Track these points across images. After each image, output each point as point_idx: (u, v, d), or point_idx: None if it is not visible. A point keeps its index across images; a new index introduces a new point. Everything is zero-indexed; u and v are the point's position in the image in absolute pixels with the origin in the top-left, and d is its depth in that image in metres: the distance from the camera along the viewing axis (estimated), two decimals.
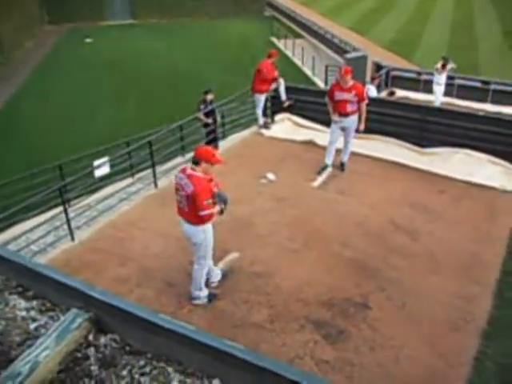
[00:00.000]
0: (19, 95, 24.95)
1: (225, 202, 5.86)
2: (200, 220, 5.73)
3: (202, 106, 11.81)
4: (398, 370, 5.34)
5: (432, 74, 15.98)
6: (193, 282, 6.22)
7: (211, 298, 6.31)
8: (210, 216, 5.75)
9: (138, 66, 28.87)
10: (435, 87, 15.39)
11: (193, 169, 5.67)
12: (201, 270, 6.14)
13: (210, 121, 11.79)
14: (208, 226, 5.88)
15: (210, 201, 5.64)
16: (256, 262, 7.08)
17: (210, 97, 11.96)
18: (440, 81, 15.26)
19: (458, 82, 16.48)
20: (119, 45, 34.46)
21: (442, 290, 6.64)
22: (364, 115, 9.42)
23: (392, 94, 16.73)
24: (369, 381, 5.19)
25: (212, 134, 11.77)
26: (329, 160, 9.84)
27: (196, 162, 5.66)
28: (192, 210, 5.67)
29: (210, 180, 5.73)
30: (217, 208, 5.77)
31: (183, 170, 5.77)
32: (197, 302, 6.26)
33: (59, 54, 32.33)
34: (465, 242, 7.73)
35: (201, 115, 11.73)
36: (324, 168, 9.84)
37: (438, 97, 15.31)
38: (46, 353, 2.32)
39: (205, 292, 6.27)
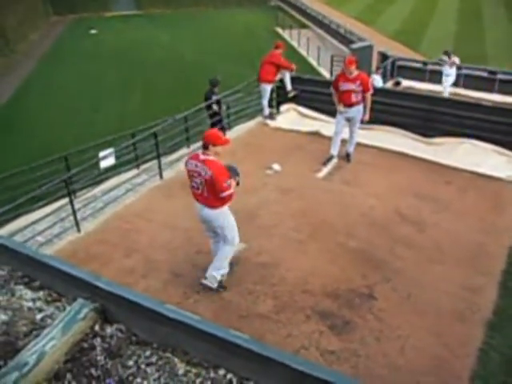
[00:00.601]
0: (25, 87, 24.98)
1: (237, 173, 5.99)
2: (220, 202, 5.83)
3: (214, 97, 11.76)
4: (404, 361, 5.35)
5: (437, 64, 15.93)
6: (215, 262, 6.19)
7: (221, 286, 6.29)
8: (231, 196, 5.85)
9: (143, 56, 28.84)
10: (444, 78, 15.34)
11: (205, 154, 5.75)
12: (231, 250, 6.17)
13: (217, 109, 11.77)
14: (226, 209, 5.96)
15: (229, 181, 5.74)
16: (262, 253, 7.09)
17: (216, 89, 11.94)
18: (448, 72, 15.21)
19: (464, 71, 16.38)
20: (124, 36, 34.44)
21: (447, 280, 6.63)
22: (369, 105, 9.39)
23: (398, 84, 16.66)
24: (374, 371, 5.20)
25: (217, 124, 11.75)
26: (334, 151, 9.82)
27: (206, 146, 5.75)
28: (211, 193, 5.76)
29: None
30: (233, 183, 5.87)
31: (195, 157, 5.83)
32: (206, 282, 6.20)
33: (64, 46, 32.34)
34: (471, 233, 7.71)
35: (215, 106, 11.72)
36: (330, 159, 9.82)
37: (446, 88, 15.24)
38: (53, 343, 2.32)
39: (219, 276, 6.23)
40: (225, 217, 5.98)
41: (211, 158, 5.72)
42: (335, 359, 5.34)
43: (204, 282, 6.22)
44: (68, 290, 2.65)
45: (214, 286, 6.23)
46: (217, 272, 6.18)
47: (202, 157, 5.75)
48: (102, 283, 2.43)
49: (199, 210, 5.98)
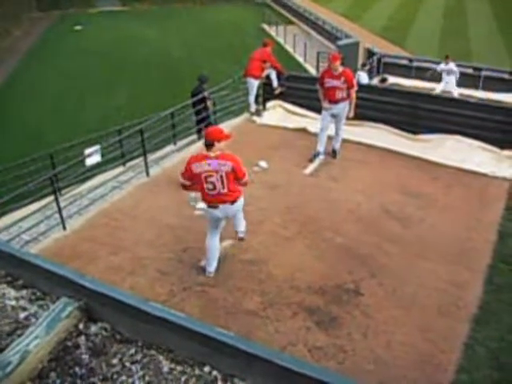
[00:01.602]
0: (8, 84, 24.71)
1: None
2: (239, 192, 6.04)
3: (205, 93, 11.73)
4: (390, 356, 5.38)
5: (424, 60, 16.01)
6: (241, 223, 6.72)
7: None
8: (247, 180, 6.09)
9: (128, 52, 28.67)
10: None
11: (212, 151, 5.80)
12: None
13: (209, 105, 11.75)
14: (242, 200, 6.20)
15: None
16: (249, 250, 7.09)
17: (206, 85, 11.91)
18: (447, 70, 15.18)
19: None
20: (110, 32, 34.17)
21: (433, 275, 6.67)
22: (354, 102, 9.43)
23: (384, 80, 16.72)
24: (361, 367, 5.22)
25: (203, 121, 11.73)
26: (321, 147, 9.83)
27: (211, 144, 5.78)
28: (231, 186, 5.87)
29: None
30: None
31: (204, 157, 5.83)
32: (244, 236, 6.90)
33: (48, 42, 32.00)
34: (456, 229, 7.76)
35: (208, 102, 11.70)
36: (316, 155, 9.84)
37: (440, 86, 15.21)
38: (36, 342, 2.30)
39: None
40: (241, 204, 6.23)
41: (220, 152, 5.80)
42: (322, 355, 5.36)
43: (242, 236, 6.91)
44: (52, 288, 2.63)
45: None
46: (244, 227, 6.80)
47: (212, 154, 5.78)
48: (86, 281, 2.41)
49: (221, 211, 6.05)
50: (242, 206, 6.27)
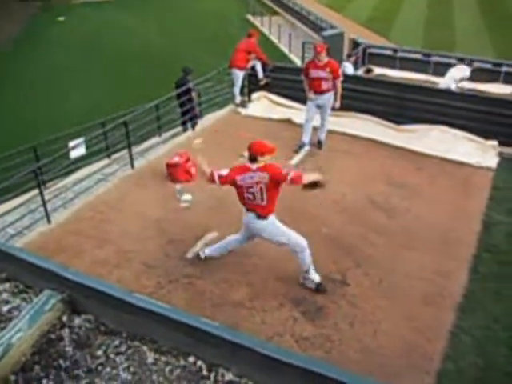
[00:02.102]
0: None
1: None
2: (270, 211, 5.88)
3: (191, 85, 11.64)
4: (377, 345, 5.42)
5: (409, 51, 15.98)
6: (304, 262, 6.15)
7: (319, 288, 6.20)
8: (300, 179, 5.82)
9: (112, 44, 28.38)
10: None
11: (255, 164, 5.78)
12: (304, 253, 6.05)
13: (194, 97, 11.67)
14: (273, 218, 5.97)
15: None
16: None
17: (190, 77, 11.84)
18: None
19: (434, 59, 16.53)
20: (93, 23, 33.75)
21: (418, 265, 6.72)
22: (340, 92, 9.44)
23: (369, 71, 16.71)
24: (348, 356, 5.25)
25: (189, 113, 11.66)
26: (306, 138, 9.83)
27: (254, 158, 5.77)
28: (269, 199, 5.79)
29: None
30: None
31: (246, 169, 5.81)
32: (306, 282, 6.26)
33: (31, 34, 31.51)
34: (441, 218, 7.82)
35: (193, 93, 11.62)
36: (301, 146, 9.83)
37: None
38: (19, 335, 2.29)
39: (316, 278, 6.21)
40: (274, 225, 5.99)
41: (263, 164, 5.75)
42: (309, 345, 5.39)
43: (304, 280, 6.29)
44: (35, 281, 2.61)
45: (312, 286, 6.21)
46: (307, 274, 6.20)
47: (254, 167, 5.75)
48: (69, 274, 2.39)
49: (248, 219, 6.02)
50: (285, 236, 6.00)
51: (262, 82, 12.06)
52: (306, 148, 9.88)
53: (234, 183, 5.86)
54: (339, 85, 9.38)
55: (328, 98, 9.44)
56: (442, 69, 15.61)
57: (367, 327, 5.66)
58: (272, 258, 6.69)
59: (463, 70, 13.30)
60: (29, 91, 21.80)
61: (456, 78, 13.18)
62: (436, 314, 5.88)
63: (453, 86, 13.30)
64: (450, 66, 14.45)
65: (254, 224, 5.96)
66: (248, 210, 5.95)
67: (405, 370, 5.10)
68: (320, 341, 5.45)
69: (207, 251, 6.56)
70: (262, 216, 5.87)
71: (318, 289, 6.14)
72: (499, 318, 5.87)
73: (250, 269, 6.51)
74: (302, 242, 5.97)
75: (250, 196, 5.81)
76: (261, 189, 5.72)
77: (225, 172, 5.94)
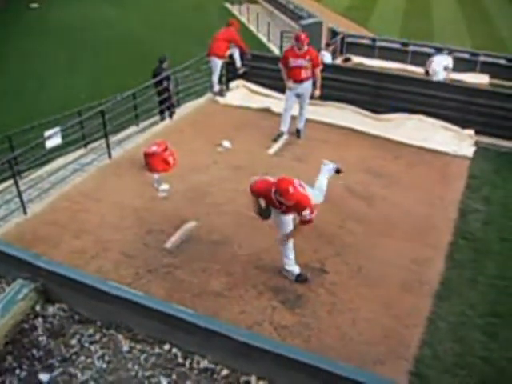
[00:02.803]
0: None
1: None
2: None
3: (164, 73, 11.51)
4: (355, 333, 5.46)
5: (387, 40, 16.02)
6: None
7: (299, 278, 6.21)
8: None
9: (88, 32, 27.93)
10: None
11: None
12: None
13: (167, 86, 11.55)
14: None
15: None
16: (214, 231, 7.06)
17: (165, 65, 11.72)
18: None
19: (412, 48, 16.64)
20: (68, 11, 33.09)
21: (396, 253, 6.78)
22: (319, 81, 9.42)
23: (347, 60, 16.76)
24: (327, 344, 5.28)
25: (166, 101, 11.56)
26: (284, 127, 9.82)
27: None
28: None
29: None
30: None
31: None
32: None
33: (2, 21, 30.83)
34: (419, 207, 7.88)
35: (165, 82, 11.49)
36: (280, 135, 9.82)
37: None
38: None
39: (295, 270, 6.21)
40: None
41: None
42: (288, 333, 5.41)
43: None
44: (7, 271, 2.55)
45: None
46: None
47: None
48: (42, 262, 2.35)
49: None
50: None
51: (241, 71, 12.00)
52: (285, 137, 9.86)
53: None
54: (319, 73, 9.37)
55: (307, 87, 9.42)
56: (419, 58, 15.74)
57: (346, 315, 5.70)
58: (251, 247, 6.70)
59: (447, 59, 13.40)
60: (3, 81, 21.37)
61: (444, 64, 13.31)
62: (414, 301, 5.94)
63: (442, 74, 13.41)
64: (428, 55, 14.55)
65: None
66: None
67: (383, 356, 5.15)
68: (299, 329, 5.48)
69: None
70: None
71: (298, 280, 6.15)
72: (475, 304, 5.96)
73: (228, 258, 6.50)
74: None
75: None
76: None
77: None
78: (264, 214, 5.96)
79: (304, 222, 5.66)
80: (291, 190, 5.36)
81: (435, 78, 12.67)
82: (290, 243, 6.05)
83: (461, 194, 8.28)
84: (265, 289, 6.02)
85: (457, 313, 5.81)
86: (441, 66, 13.12)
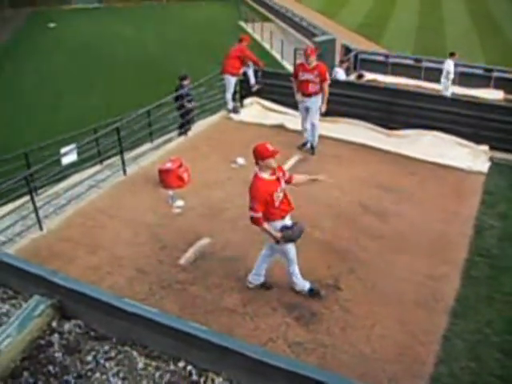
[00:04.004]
0: None
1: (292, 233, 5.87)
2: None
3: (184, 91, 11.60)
4: (370, 350, 5.41)
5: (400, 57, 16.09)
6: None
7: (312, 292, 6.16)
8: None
9: (104, 51, 28.35)
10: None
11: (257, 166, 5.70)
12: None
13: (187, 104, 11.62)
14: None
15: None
16: (227, 247, 7.07)
17: (186, 83, 11.79)
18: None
19: (425, 64, 16.64)
20: (85, 30, 33.71)
21: (411, 269, 6.72)
22: (326, 96, 9.51)
23: (361, 77, 16.78)
24: (341, 361, 5.24)
25: (184, 117, 11.62)
26: (306, 133, 10.03)
27: (256, 161, 5.68)
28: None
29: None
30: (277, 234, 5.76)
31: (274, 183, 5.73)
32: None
33: (21, 40, 31.40)
34: (433, 223, 7.83)
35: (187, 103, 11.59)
36: (305, 143, 10.05)
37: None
38: (8, 341, 2.27)
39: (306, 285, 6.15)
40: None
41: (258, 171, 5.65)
42: (302, 350, 5.37)
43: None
44: (24, 287, 2.59)
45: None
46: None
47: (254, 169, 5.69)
48: (58, 279, 2.38)
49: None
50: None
51: (254, 88, 12.08)
52: (299, 156, 9.88)
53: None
54: (326, 88, 9.46)
55: (315, 101, 9.54)
56: (433, 74, 15.74)
57: (360, 332, 5.65)
58: None
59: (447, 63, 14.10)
60: (21, 98, 21.71)
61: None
62: (429, 318, 5.88)
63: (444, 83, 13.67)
64: (441, 71, 14.56)
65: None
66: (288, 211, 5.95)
67: (398, 374, 5.10)
68: (313, 346, 5.44)
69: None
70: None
71: (311, 294, 6.12)
72: (491, 322, 5.88)
73: (242, 274, 6.48)
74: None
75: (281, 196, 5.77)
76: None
77: None
78: None
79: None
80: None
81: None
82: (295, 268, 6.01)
83: (476, 210, 8.21)
84: (279, 305, 6.00)
85: (473, 330, 5.74)
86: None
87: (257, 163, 5.62)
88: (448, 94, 13.89)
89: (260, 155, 5.57)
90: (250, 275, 6.25)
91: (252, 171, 5.88)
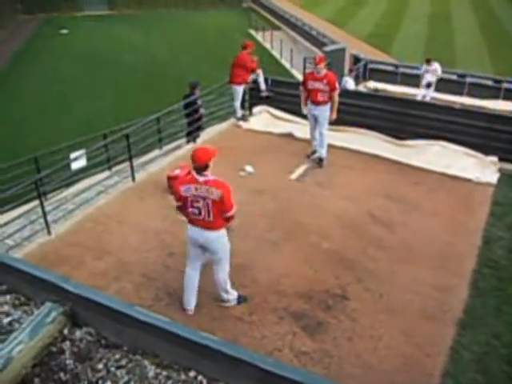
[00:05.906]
0: None
1: None
2: (224, 223, 5.56)
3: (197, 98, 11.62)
4: (376, 360, 5.39)
5: (410, 67, 16.12)
6: (219, 287, 5.99)
7: (241, 300, 6.14)
8: (234, 216, 5.58)
9: (114, 57, 28.52)
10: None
11: (202, 175, 5.34)
12: (225, 274, 5.92)
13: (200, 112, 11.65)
14: (225, 232, 5.68)
15: None
16: (235, 255, 7.00)
17: (197, 91, 11.76)
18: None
19: None
20: (96, 36, 33.97)
21: (418, 280, 6.70)
22: (336, 105, 9.51)
23: (376, 91, 16.78)
24: (347, 372, 5.23)
25: (192, 125, 11.64)
26: (314, 141, 10.07)
27: (203, 168, 5.33)
28: (217, 215, 5.40)
29: None
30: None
31: (191, 180, 5.39)
32: (227, 304, 6.11)
33: (33, 46, 31.66)
34: (441, 234, 7.82)
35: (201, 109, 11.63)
36: (314, 152, 10.06)
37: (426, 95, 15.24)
38: (20, 347, 2.28)
39: (234, 294, 6.10)
40: (224, 239, 5.70)
41: (211, 177, 5.37)
42: (309, 360, 5.36)
43: (224, 305, 6.11)
44: (36, 293, 2.60)
45: (234, 303, 6.12)
46: (227, 294, 6.05)
47: (200, 179, 5.32)
48: (70, 286, 2.39)
49: (198, 234, 5.55)
50: (226, 253, 5.78)
51: (264, 94, 12.08)
52: (307, 165, 9.90)
53: (180, 195, 5.51)
54: (336, 97, 9.47)
55: (324, 110, 9.53)
56: (442, 84, 15.74)
57: (367, 342, 5.64)
58: (272, 271, 6.69)
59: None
60: (32, 104, 21.86)
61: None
62: (436, 330, 5.86)
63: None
64: (451, 82, 14.61)
65: (201, 236, 5.59)
66: (194, 224, 5.59)
67: None
68: (319, 356, 5.43)
69: (186, 305, 6.05)
70: (212, 229, 5.52)
71: (240, 301, 6.11)
72: (499, 334, 5.85)
73: (249, 282, 6.49)
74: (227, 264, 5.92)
75: (196, 211, 5.44)
76: (206, 206, 5.36)
77: None
78: None
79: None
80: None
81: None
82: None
83: (484, 222, 8.18)
84: (285, 314, 5.99)
85: (481, 342, 5.70)
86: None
87: (204, 169, 5.36)
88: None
89: (208, 157, 5.39)
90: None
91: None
